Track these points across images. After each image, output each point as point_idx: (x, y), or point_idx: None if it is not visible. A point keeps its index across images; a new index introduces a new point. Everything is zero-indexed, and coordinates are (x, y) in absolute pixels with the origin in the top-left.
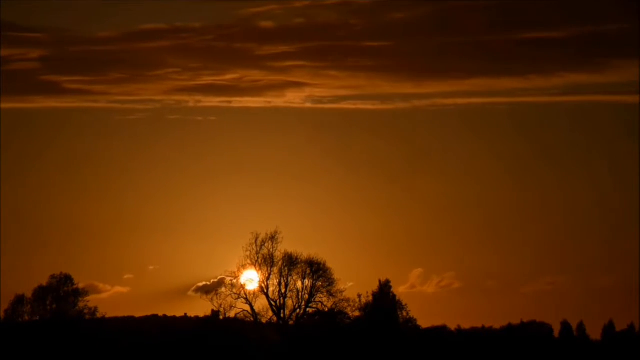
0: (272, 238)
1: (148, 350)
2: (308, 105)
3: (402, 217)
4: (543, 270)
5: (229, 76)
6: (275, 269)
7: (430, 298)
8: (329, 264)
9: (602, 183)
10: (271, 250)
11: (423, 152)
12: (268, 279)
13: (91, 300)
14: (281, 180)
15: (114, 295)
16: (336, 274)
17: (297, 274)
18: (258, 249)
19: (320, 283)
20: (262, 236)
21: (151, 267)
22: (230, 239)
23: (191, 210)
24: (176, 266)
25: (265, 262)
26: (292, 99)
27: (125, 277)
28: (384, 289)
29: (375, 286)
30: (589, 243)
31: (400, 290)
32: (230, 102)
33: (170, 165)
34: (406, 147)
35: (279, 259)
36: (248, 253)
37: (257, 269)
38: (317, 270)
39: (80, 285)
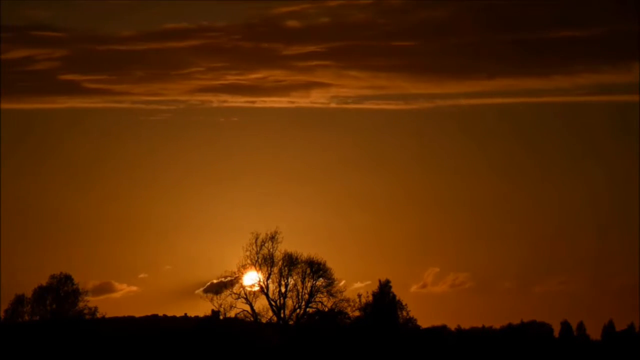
0: (272, 238)
1: (148, 350)
2: (333, 105)
3: (414, 217)
4: (542, 270)
5: (253, 76)
6: (275, 269)
7: (430, 298)
8: (330, 265)
9: (604, 183)
10: (271, 250)
11: (444, 152)
12: (268, 279)
13: (103, 299)
14: (293, 180)
15: (126, 295)
16: (341, 275)
17: (297, 274)
18: (258, 249)
19: (320, 283)
20: (262, 236)
21: (167, 267)
22: (244, 238)
23: (208, 210)
24: (191, 265)
25: (265, 262)
26: (317, 98)
27: (140, 276)
28: (384, 289)
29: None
30: (589, 243)
31: (399, 290)
32: (254, 102)
33: (189, 165)
34: (428, 146)
35: (278, 259)
36: (248, 253)
37: (257, 269)
38: (317, 270)
39: (97, 283)
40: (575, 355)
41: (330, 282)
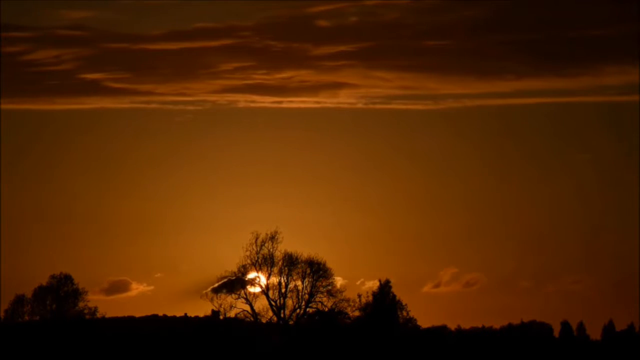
0: (272, 238)
1: (148, 350)
2: (360, 105)
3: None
4: (544, 271)
5: (280, 76)
6: (275, 269)
7: (432, 299)
8: (331, 264)
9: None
10: (271, 250)
11: (469, 152)
12: (268, 279)
13: (116, 299)
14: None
15: (138, 294)
16: (355, 274)
17: (297, 274)
18: (258, 249)
19: (320, 283)
20: (262, 236)
21: (183, 266)
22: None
23: (226, 209)
24: (204, 264)
25: (265, 262)
26: (344, 98)
27: (157, 275)
28: (384, 288)
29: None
30: (589, 243)
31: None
32: (280, 102)
33: (211, 164)
34: (454, 146)
35: (279, 258)
36: (248, 253)
37: (257, 269)
38: (317, 270)
39: (114, 278)
40: (575, 355)
41: (330, 282)
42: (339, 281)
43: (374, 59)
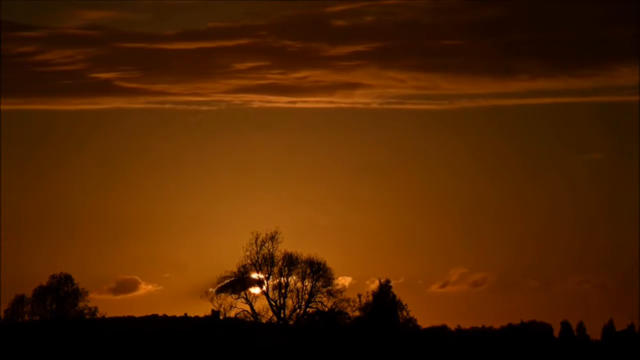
0: (272, 238)
1: (148, 350)
2: (375, 105)
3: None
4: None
5: (295, 75)
6: (275, 269)
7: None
8: (342, 264)
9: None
10: (271, 250)
11: (486, 151)
12: (268, 278)
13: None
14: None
15: (146, 294)
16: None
17: (297, 274)
18: (258, 249)
19: (320, 283)
20: (262, 236)
21: (193, 266)
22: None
23: (236, 210)
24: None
25: (265, 262)
26: (358, 98)
27: (165, 275)
28: (384, 288)
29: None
30: (590, 243)
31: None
32: (295, 102)
33: (221, 164)
34: (468, 146)
35: (279, 258)
36: (248, 253)
37: (257, 269)
38: (317, 270)
39: (125, 277)
40: (575, 355)
41: (330, 282)
42: (347, 280)
43: (389, 58)
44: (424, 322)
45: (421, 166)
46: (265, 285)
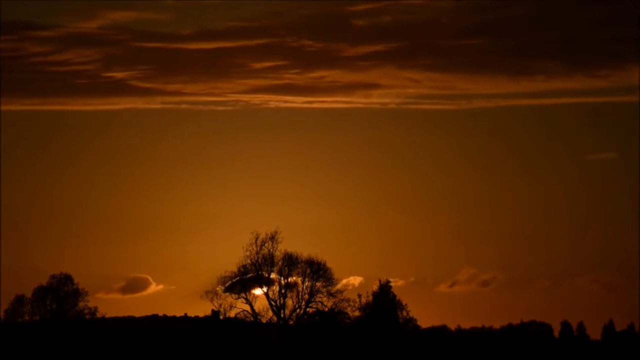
0: (272, 238)
1: (148, 350)
2: (392, 106)
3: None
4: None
5: (312, 75)
6: (275, 269)
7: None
8: (330, 264)
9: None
10: (271, 250)
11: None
12: (268, 279)
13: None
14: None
15: (154, 294)
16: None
17: (297, 274)
18: (258, 249)
19: (320, 283)
20: (262, 236)
21: (201, 266)
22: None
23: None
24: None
25: (265, 262)
26: (378, 98)
27: (172, 274)
28: (384, 288)
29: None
30: (590, 243)
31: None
32: (312, 102)
33: (234, 164)
34: (485, 145)
35: (279, 258)
36: (248, 253)
37: (257, 269)
38: (317, 270)
39: (137, 275)
40: (575, 355)
41: (330, 282)
42: (358, 280)
43: (407, 58)
44: (429, 322)
45: (437, 166)
46: (276, 284)
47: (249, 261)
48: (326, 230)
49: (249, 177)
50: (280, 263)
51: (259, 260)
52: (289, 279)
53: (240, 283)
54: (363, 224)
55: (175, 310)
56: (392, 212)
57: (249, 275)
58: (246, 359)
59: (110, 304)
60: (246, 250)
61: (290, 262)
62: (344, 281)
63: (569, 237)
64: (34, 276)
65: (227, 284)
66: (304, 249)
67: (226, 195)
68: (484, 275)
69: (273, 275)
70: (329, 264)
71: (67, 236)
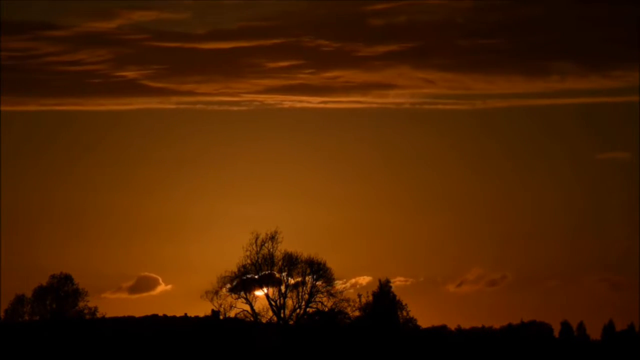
0: (272, 238)
1: (148, 350)
2: (407, 106)
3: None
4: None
5: (327, 75)
6: (275, 269)
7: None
8: (338, 264)
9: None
10: (271, 250)
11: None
12: (268, 280)
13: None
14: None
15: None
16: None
17: (297, 274)
18: (258, 249)
19: (320, 283)
20: (262, 236)
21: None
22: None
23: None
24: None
25: (265, 262)
26: (393, 98)
27: (178, 274)
28: (384, 288)
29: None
30: (590, 243)
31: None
32: (326, 102)
33: (247, 164)
34: (500, 146)
35: (279, 258)
36: (248, 253)
37: (257, 268)
38: (317, 270)
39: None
40: (575, 355)
41: (330, 282)
42: (366, 280)
43: (422, 58)
44: (431, 322)
45: (451, 166)
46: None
47: (248, 261)
48: (337, 230)
49: (262, 178)
50: (280, 263)
51: (259, 260)
52: (296, 279)
53: (245, 283)
54: (377, 224)
55: (176, 310)
56: (409, 213)
57: (251, 275)
58: (246, 359)
59: (115, 303)
60: (246, 251)
61: (290, 262)
62: (353, 280)
63: (568, 238)
64: (34, 276)
65: (234, 283)
66: (308, 249)
67: (237, 195)
68: (493, 275)
69: (278, 275)
70: (337, 264)
71: (71, 236)
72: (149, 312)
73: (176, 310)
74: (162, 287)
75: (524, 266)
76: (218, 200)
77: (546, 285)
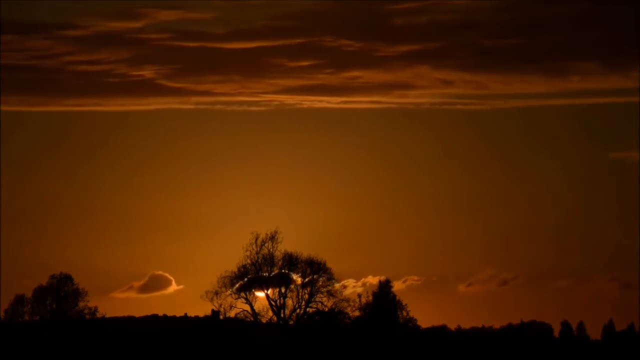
0: (272, 238)
1: (148, 350)
2: (426, 106)
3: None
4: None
5: (345, 75)
6: (276, 269)
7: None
8: (344, 265)
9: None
10: (271, 250)
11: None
12: (269, 281)
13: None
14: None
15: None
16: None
17: (297, 274)
18: (258, 249)
19: (320, 283)
20: (262, 236)
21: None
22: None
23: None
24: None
25: (265, 262)
26: (414, 99)
27: (185, 275)
28: (384, 288)
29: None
30: (590, 243)
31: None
32: (347, 102)
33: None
34: (519, 145)
35: (279, 258)
36: (248, 253)
37: (257, 268)
38: (317, 270)
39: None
40: (575, 355)
41: (330, 282)
42: (376, 279)
43: (443, 58)
44: (430, 322)
45: (470, 165)
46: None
47: (248, 261)
48: (349, 231)
49: (281, 179)
50: (280, 263)
51: (259, 260)
52: (305, 279)
53: (254, 281)
54: (392, 224)
55: (175, 310)
56: (425, 213)
57: (253, 275)
58: (246, 359)
59: (116, 303)
60: (246, 251)
61: (290, 262)
62: (362, 280)
63: (569, 238)
64: (34, 276)
65: (240, 283)
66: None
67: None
68: (504, 275)
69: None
70: (345, 265)
71: (74, 236)
72: (160, 313)
73: (184, 310)
74: (173, 287)
75: (530, 267)
76: (236, 199)
77: (552, 285)
